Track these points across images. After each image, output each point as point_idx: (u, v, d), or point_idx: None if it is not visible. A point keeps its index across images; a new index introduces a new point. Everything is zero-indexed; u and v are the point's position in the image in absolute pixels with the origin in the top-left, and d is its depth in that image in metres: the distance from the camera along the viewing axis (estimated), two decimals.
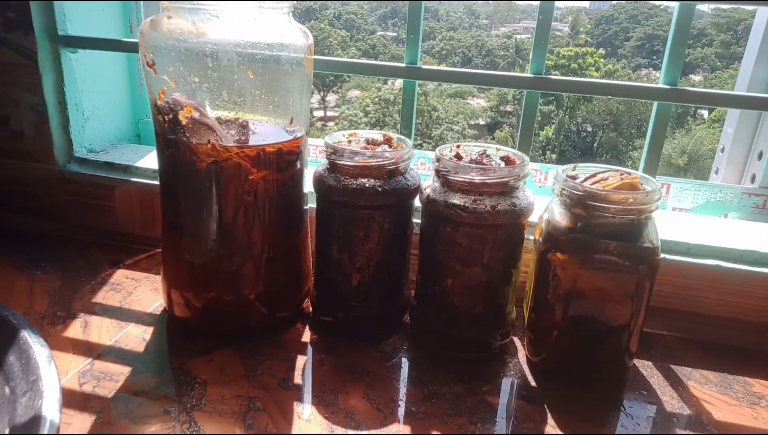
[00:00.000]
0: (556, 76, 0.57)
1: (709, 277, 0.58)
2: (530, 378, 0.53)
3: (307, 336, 0.57)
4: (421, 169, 0.77)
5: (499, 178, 0.49)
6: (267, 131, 0.52)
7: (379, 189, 0.51)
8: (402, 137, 0.57)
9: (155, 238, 0.70)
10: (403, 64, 0.61)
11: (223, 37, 0.46)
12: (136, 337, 0.55)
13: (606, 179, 0.52)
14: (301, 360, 0.53)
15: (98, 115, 0.76)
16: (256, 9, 0.47)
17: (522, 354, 0.56)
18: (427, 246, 0.54)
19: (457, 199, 0.50)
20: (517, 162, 0.53)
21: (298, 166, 0.54)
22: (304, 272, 0.59)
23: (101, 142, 0.77)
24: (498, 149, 0.56)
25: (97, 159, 0.73)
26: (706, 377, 0.55)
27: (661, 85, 0.56)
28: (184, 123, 0.48)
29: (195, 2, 0.46)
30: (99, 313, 0.59)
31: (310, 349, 0.55)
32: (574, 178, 0.54)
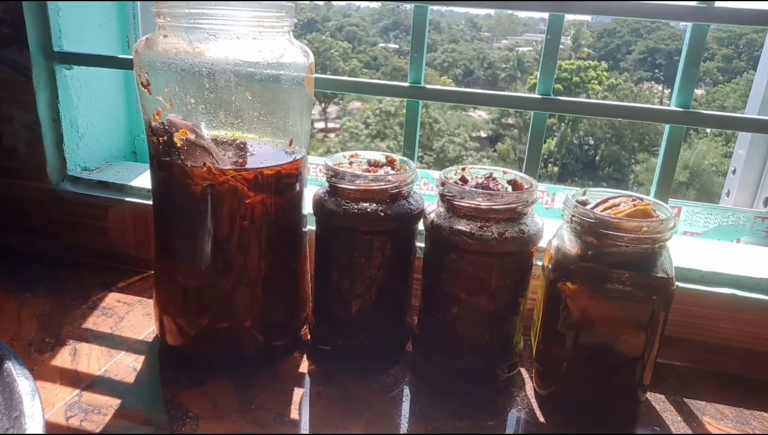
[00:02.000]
0: (564, 97, 0.55)
1: (724, 306, 0.56)
2: (538, 412, 0.51)
3: (304, 366, 0.55)
4: (424, 189, 0.75)
5: (507, 204, 0.47)
6: (265, 153, 0.50)
7: (381, 214, 0.49)
8: (405, 159, 0.55)
9: (148, 259, 0.68)
10: (407, 84, 0.59)
11: (221, 56, 0.44)
12: (127, 366, 0.53)
13: (618, 205, 0.50)
14: (298, 392, 0.51)
15: (93, 132, 0.74)
16: (256, 29, 0.45)
17: (530, 386, 0.54)
18: (431, 272, 0.52)
19: (462, 226, 0.48)
20: (525, 186, 0.51)
21: (297, 188, 0.52)
22: (303, 298, 0.57)
23: (96, 160, 0.75)
24: (505, 172, 0.54)
25: (90, 178, 0.71)
26: (721, 412, 0.52)
27: (673, 108, 0.54)
28: (179, 145, 0.46)
29: (192, 21, 0.44)
30: (89, 339, 0.56)
31: (307, 380, 0.53)
32: (584, 203, 0.52)
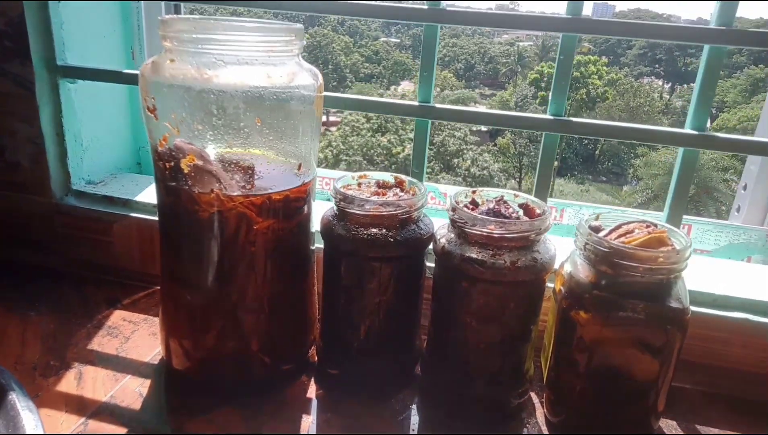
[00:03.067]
0: (576, 119, 0.54)
1: (736, 331, 0.55)
2: None
3: (312, 390, 0.54)
4: (431, 202, 0.74)
5: (520, 232, 0.46)
6: (274, 176, 0.49)
7: (391, 239, 0.49)
8: (414, 181, 0.54)
9: (153, 274, 0.68)
10: (416, 103, 0.58)
11: (230, 82, 0.43)
12: (133, 391, 0.52)
13: (631, 232, 0.49)
14: (306, 421, 0.50)
15: (97, 145, 0.73)
16: (265, 54, 0.44)
17: (540, 413, 0.53)
18: (441, 298, 0.52)
19: (474, 253, 0.47)
20: (537, 211, 0.51)
21: (306, 211, 0.51)
22: (311, 319, 0.56)
23: (100, 173, 0.74)
24: (516, 195, 0.53)
25: (95, 192, 0.70)
26: None
27: (688, 131, 0.54)
28: (186, 171, 0.45)
29: (200, 46, 0.43)
30: (95, 362, 0.56)
31: (315, 406, 0.52)
32: (597, 229, 0.51)
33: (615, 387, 0.48)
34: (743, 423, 0.53)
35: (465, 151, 14.80)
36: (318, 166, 0.53)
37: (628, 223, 0.51)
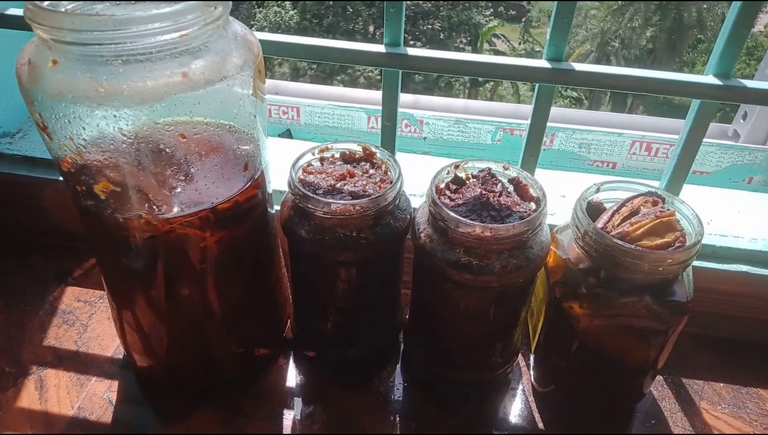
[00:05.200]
0: (580, 65, 0.44)
1: (737, 283, 0.52)
2: (534, 407, 0.49)
3: (291, 375, 0.52)
4: (405, 131, 0.65)
5: (514, 234, 0.40)
6: (217, 180, 0.40)
7: (363, 241, 0.42)
8: (386, 154, 0.46)
9: None
10: (382, 49, 0.46)
11: (137, 94, 0.33)
12: (101, 398, 0.49)
13: (637, 211, 0.43)
14: (288, 417, 0.48)
15: (5, 86, 0.61)
16: (178, 44, 0.33)
17: (527, 378, 0.52)
18: (421, 293, 0.47)
19: (459, 256, 0.41)
20: (531, 192, 0.44)
21: (260, 206, 0.44)
22: (281, 303, 0.52)
23: (16, 121, 0.63)
24: (506, 168, 0.45)
25: (14, 151, 0.60)
26: (719, 393, 0.52)
27: (709, 79, 0.44)
28: (103, 197, 0.37)
29: (87, 47, 0.31)
30: (54, 363, 0.52)
31: (296, 398, 0.50)
32: (597, 207, 0.45)
33: (606, 370, 0.46)
34: (728, 371, 0.53)
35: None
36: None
37: (633, 198, 0.44)
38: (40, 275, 0.60)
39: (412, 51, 0.46)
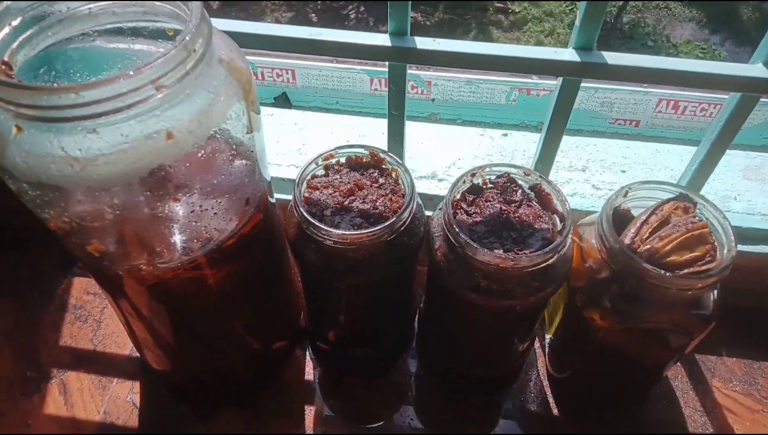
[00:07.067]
0: (613, 55, 0.39)
1: (760, 261, 0.51)
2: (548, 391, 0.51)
3: (309, 368, 0.52)
4: (412, 93, 0.60)
5: (538, 262, 0.37)
6: (219, 223, 0.37)
7: (376, 264, 0.40)
8: (394, 159, 0.42)
9: None
10: (387, 41, 0.40)
11: (117, 163, 0.29)
12: (125, 401, 0.50)
13: (667, 221, 0.40)
14: (309, 413, 0.50)
15: None
16: (153, 99, 0.28)
17: (542, 362, 0.52)
18: (435, 304, 0.46)
19: (478, 280, 0.39)
20: (554, 200, 0.41)
21: (266, 231, 0.41)
22: (294, 300, 0.51)
23: None
24: (526, 174, 0.42)
25: None
26: (731, 370, 0.52)
27: (757, 72, 0.38)
28: (97, 256, 0.34)
29: (54, 116, 0.27)
30: (73, 364, 0.52)
31: (316, 393, 0.51)
32: (625, 215, 0.42)
33: (621, 369, 0.46)
34: (742, 344, 0.54)
35: None
36: None
37: (662, 204, 0.41)
38: (45, 267, 0.59)
39: (421, 42, 0.40)
